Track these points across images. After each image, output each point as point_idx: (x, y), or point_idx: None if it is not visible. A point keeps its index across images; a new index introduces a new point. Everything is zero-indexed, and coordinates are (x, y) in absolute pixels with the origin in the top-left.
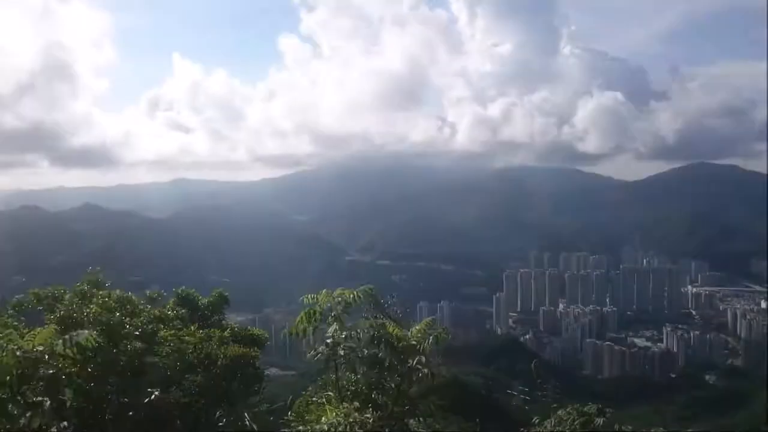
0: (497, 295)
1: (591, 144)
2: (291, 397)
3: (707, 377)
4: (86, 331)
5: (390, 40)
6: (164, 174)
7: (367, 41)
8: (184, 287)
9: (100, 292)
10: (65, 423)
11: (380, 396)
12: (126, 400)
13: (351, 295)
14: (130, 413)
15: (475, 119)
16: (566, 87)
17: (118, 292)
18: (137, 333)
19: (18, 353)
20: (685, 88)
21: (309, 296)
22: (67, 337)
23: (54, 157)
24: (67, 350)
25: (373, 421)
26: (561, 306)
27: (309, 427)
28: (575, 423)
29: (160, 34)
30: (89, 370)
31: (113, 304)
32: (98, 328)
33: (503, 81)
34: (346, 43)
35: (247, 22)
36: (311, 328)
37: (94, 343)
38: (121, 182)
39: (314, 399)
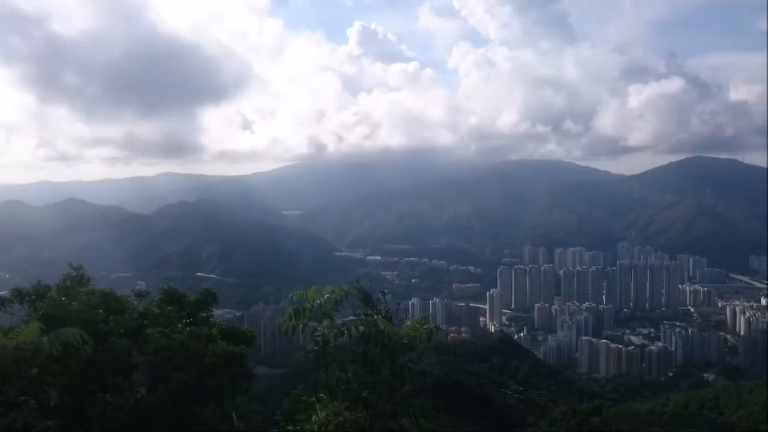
0: (491, 291)
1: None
2: (280, 394)
3: (706, 376)
4: (73, 329)
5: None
6: (150, 167)
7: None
8: (170, 284)
9: (84, 289)
10: (50, 423)
11: (371, 394)
12: (111, 398)
13: (341, 292)
14: (116, 412)
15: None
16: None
17: (100, 288)
18: (122, 330)
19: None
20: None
21: (298, 293)
22: (52, 335)
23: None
24: (53, 349)
25: (364, 420)
26: (556, 303)
27: (299, 427)
28: (571, 422)
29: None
30: (73, 368)
31: (97, 300)
32: (82, 325)
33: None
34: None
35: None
36: (300, 325)
37: (80, 341)
38: (106, 176)
39: (304, 398)
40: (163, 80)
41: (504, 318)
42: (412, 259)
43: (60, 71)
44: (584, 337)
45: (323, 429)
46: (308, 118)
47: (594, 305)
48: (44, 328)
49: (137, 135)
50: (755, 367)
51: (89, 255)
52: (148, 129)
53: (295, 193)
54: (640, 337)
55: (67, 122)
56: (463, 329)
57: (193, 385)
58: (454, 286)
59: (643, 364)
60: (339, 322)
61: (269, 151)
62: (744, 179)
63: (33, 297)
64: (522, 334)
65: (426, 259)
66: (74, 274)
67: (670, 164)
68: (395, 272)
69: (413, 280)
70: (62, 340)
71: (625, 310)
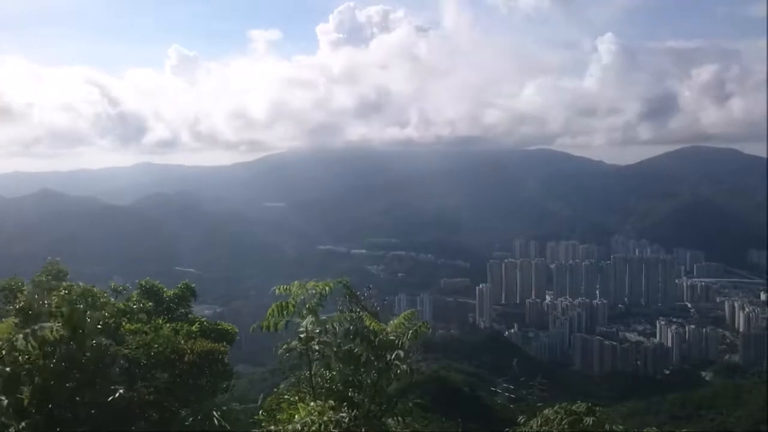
0: (480, 286)
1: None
2: (262, 394)
3: (703, 374)
4: (49, 324)
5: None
6: (127, 157)
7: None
8: (148, 278)
9: (61, 284)
10: (24, 423)
11: (356, 393)
12: (88, 398)
13: (325, 287)
14: (93, 411)
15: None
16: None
17: (81, 284)
18: (100, 327)
19: None
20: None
21: (281, 288)
22: (27, 330)
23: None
24: (28, 345)
25: (349, 420)
26: (548, 298)
27: (281, 427)
28: (563, 422)
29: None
30: (50, 365)
31: (75, 296)
32: (59, 321)
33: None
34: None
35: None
36: (283, 321)
37: (57, 336)
38: (81, 166)
39: (287, 397)
40: None
41: (494, 314)
42: (398, 252)
43: None
44: (577, 334)
45: (307, 429)
46: (291, 108)
47: (587, 300)
48: (20, 324)
49: None
50: (755, 365)
51: (64, 248)
52: None
53: (277, 185)
54: (636, 333)
55: None
56: (451, 325)
57: (172, 383)
58: (442, 280)
59: (639, 362)
60: (323, 318)
61: (252, 140)
62: (744, 170)
63: (7, 292)
64: (512, 331)
65: (413, 253)
66: (51, 268)
67: (667, 154)
68: (381, 266)
69: (400, 275)
70: (38, 336)
71: (620, 305)
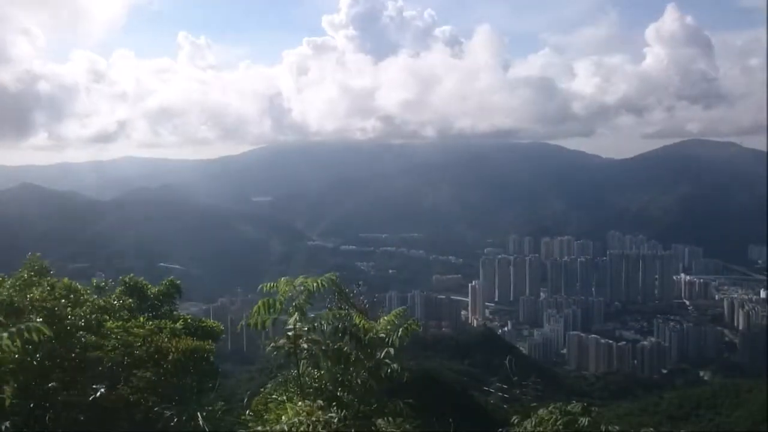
0: (473, 283)
1: None
2: (249, 393)
3: (702, 373)
4: (35, 324)
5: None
6: (109, 151)
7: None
8: (131, 275)
9: (44, 280)
10: (7, 424)
11: (346, 393)
12: (69, 397)
13: (314, 284)
14: (74, 411)
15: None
16: None
17: (66, 280)
18: (81, 324)
19: None
20: None
21: (268, 284)
22: (13, 329)
23: None
24: (14, 344)
25: (338, 420)
26: (542, 295)
27: (268, 427)
28: (558, 423)
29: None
30: (31, 364)
31: (59, 293)
32: (43, 318)
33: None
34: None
35: None
36: (270, 319)
37: (45, 335)
38: (62, 160)
39: (274, 396)
40: None
41: (487, 311)
42: (388, 248)
43: None
44: (572, 332)
45: (294, 429)
46: (279, 100)
47: (583, 298)
48: (4, 322)
49: None
50: (754, 363)
51: (44, 244)
52: None
53: (265, 179)
54: (632, 331)
55: None
56: (443, 323)
57: (156, 383)
58: (434, 277)
59: (635, 361)
60: (311, 315)
61: (239, 134)
62: (743, 164)
63: None
64: (506, 329)
65: (404, 249)
66: (32, 264)
67: (665, 147)
68: (371, 263)
69: (390, 271)
70: (23, 335)
71: (616, 303)
